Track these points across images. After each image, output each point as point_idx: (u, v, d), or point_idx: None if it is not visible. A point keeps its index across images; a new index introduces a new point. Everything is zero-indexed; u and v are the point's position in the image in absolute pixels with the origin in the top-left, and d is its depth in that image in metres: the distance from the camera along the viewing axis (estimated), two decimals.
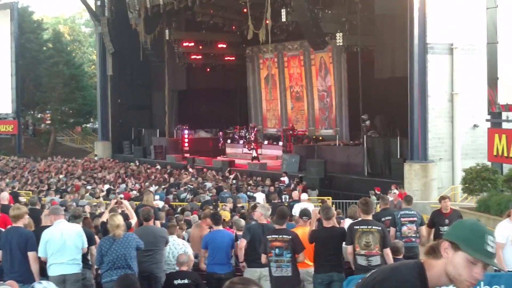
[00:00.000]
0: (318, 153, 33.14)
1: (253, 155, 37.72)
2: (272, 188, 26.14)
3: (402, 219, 11.99)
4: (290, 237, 9.29)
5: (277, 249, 9.23)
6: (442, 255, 3.36)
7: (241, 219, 13.30)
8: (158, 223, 12.11)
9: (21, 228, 9.45)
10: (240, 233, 11.17)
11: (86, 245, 9.62)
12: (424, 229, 12.26)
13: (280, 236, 9.29)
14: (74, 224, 9.93)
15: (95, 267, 10.09)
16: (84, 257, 9.74)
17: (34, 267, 9.19)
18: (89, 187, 27.22)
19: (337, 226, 10.23)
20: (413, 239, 12.00)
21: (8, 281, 4.98)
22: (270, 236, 9.36)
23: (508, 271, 9.49)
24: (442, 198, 12.76)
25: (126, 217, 10.95)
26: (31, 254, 9.20)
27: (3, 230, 10.49)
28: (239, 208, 19.66)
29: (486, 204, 19.30)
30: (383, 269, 3.50)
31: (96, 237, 10.65)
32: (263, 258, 9.42)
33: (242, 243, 10.30)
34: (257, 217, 10.71)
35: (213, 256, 10.47)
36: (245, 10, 35.60)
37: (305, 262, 9.64)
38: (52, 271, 9.29)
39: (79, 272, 9.43)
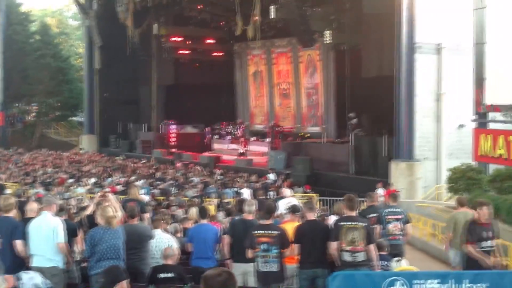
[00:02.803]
0: (304, 151, 33.21)
1: (239, 151, 37.71)
2: (258, 185, 26.15)
3: (387, 217, 12.06)
4: (278, 232, 9.32)
5: (264, 245, 9.25)
6: None
7: (219, 213, 13.34)
8: (146, 216, 12.06)
9: (11, 218, 9.47)
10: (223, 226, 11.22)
11: (62, 240, 9.46)
12: (409, 227, 12.35)
13: (267, 232, 9.31)
14: (54, 218, 9.79)
15: (83, 258, 10.03)
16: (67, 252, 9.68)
17: (22, 254, 9.26)
18: (73, 181, 27.15)
19: (323, 221, 10.28)
20: (398, 237, 12.06)
21: (5, 276, 4.99)
22: (257, 232, 9.37)
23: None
24: (481, 204, 9.92)
25: None
26: (18, 242, 9.22)
27: None
28: (225, 204, 19.66)
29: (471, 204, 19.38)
30: None
31: (80, 230, 10.61)
32: (249, 253, 9.43)
33: (226, 239, 10.34)
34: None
35: (197, 250, 10.48)
36: (233, 6, 35.57)
37: (294, 257, 9.66)
38: (31, 262, 9.37)
39: (55, 266, 9.35)
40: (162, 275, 9.81)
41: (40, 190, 21.38)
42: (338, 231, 9.29)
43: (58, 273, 9.38)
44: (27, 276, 5.54)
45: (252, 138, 41.34)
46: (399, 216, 12.13)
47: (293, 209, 10.61)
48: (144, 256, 10.00)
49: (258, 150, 39.42)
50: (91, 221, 11.10)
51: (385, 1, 27.62)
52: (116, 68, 47.50)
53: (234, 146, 39.88)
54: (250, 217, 10.38)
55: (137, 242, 9.84)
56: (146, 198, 19.20)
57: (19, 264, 9.11)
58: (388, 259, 9.97)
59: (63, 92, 56.73)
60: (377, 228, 11.72)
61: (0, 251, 9.16)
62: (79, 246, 10.45)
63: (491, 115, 22.23)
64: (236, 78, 47.14)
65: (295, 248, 9.54)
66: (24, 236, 9.35)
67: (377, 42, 29.58)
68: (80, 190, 23.55)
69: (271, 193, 23.29)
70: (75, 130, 60.67)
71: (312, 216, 9.86)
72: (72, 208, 15.39)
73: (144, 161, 37.59)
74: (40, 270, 9.00)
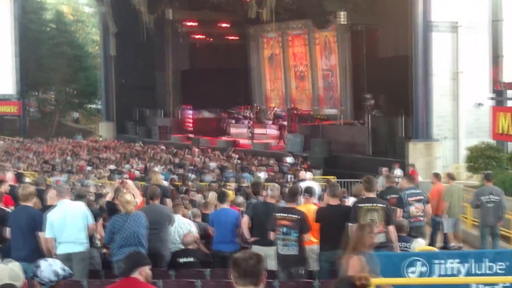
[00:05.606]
0: (322, 133, 33.14)
1: (249, 135, 38.04)
2: (276, 168, 26.16)
3: (409, 199, 11.97)
4: (299, 216, 9.31)
5: (284, 228, 9.25)
6: None
7: (239, 196, 13.35)
8: (169, 201, 12.09)
9: (30, 208, 9.49)
10: (242, 209, 11.21)
11: (92, 222, 9.57)
12: (428, 207, 12.30)
13: (289, 215, 9.31)
14: (78, 202, 9.92)
15: (104, 244, 10.11)
16: (91, 236, 9.75)
17: (44, 246, 9.26)
18: (92, 168, 27.29)
19: (343, 204, 10.25)
20: (421, 218, 11.99)
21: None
22: (278, 214, 9.39)
23: None
24: None
25: None
26: (41, 234, 9.25)
27: (8, 210, 10.53)
28: (244, 188, 19.67)
29: None
30: None
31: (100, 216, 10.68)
32: (272, 235, 9.45)
33: (245, 218, 10.35)
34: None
35: (218, 234, 10.52)
36: None
37: (310, 239, 9.67)
38: (58, 250, 9.35)
39: (84, 251, 9.42)
40: (182, 260, 9.88)
41: (60, 178, 21.52)
42: (356, 213, 9.29)
43: (86, 258, 9.47)
44: (45, 263, 5.55)
45: (269, 122, 41.31)
46: (421, 197, 12.09)
47: (305, 191, 10.57)
48: (164, 238, 10.02)
49: (276, 133, 39.39)
50: (110, 208, 11.20)
51: None
52: (131, 54, 47.48)
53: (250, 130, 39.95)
54: (272, 201, 10.40)
55: (157, 222, 9.87)
56: (165, 184, 19.25)
57: (38, 252, 9.15)
58: (407, 240, 9.96)
59: (80, 80, 56.90)
60: (398, 211, 11.65)
61: (19, 240, 9.25)
62: (99, 232, 10.53)
63: (509, 92, 22.07)
64: (251, 61, 47.00)
65: (315, 231, 9.55)
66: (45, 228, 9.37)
67: (393, 22, 29.36)
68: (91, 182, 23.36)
69: (289, 176, 23.30)
70: (93, 118, 60.91)
71: (335, 201, 9.77)
72: (91, 195, 15.51)
73: (162, 147, 37.68)
74: (68, 256, 9.11)
